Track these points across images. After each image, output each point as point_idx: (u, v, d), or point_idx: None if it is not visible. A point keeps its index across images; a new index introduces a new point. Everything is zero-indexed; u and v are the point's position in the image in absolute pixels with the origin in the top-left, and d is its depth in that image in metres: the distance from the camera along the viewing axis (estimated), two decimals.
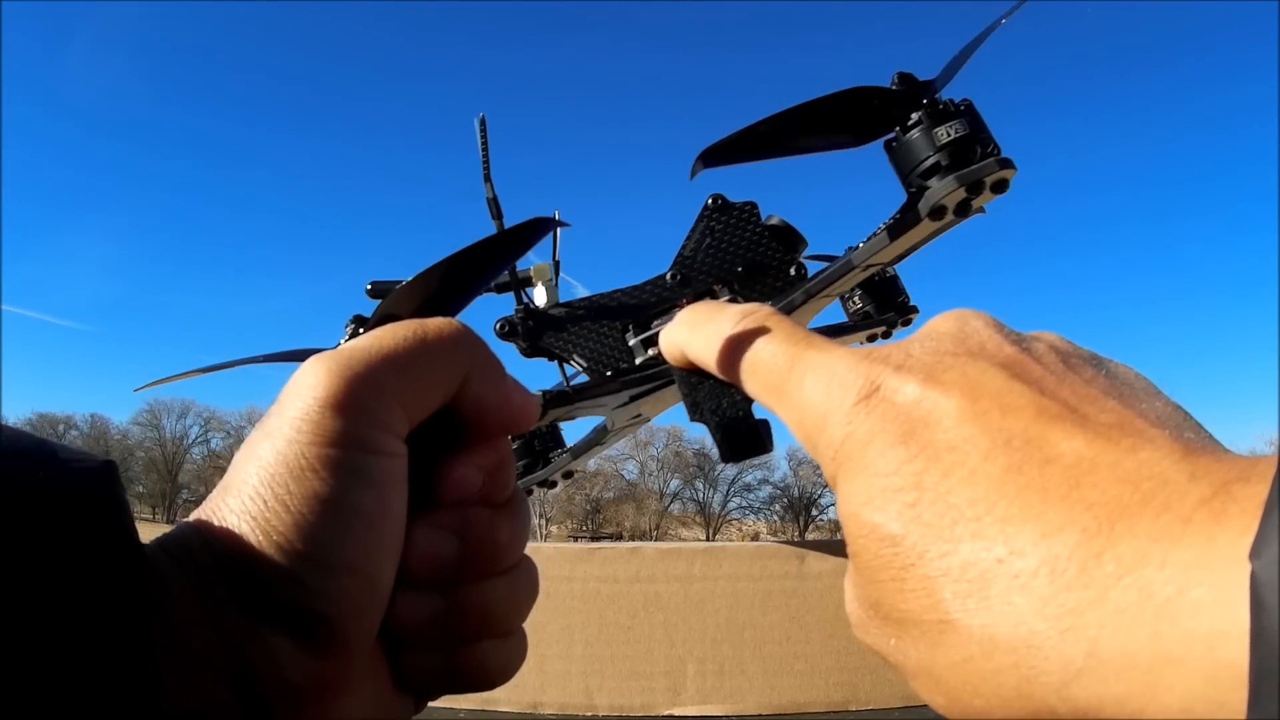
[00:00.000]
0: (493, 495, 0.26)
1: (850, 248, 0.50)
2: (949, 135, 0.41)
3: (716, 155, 0.40)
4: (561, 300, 0.55)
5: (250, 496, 0.21)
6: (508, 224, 0.52)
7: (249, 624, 0.21)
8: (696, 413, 0.48)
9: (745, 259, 0.49)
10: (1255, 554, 0.14)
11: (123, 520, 0.19)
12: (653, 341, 0.51)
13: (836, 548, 0.59)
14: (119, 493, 0.20)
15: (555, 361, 0.55)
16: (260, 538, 0.21)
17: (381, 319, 0.36)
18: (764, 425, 0.49)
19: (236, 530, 0.21)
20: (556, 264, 0.54)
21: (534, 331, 0.52)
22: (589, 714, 0.56)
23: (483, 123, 0.50)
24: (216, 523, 0.21)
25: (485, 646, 0.25)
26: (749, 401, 0.47)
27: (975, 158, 0.41)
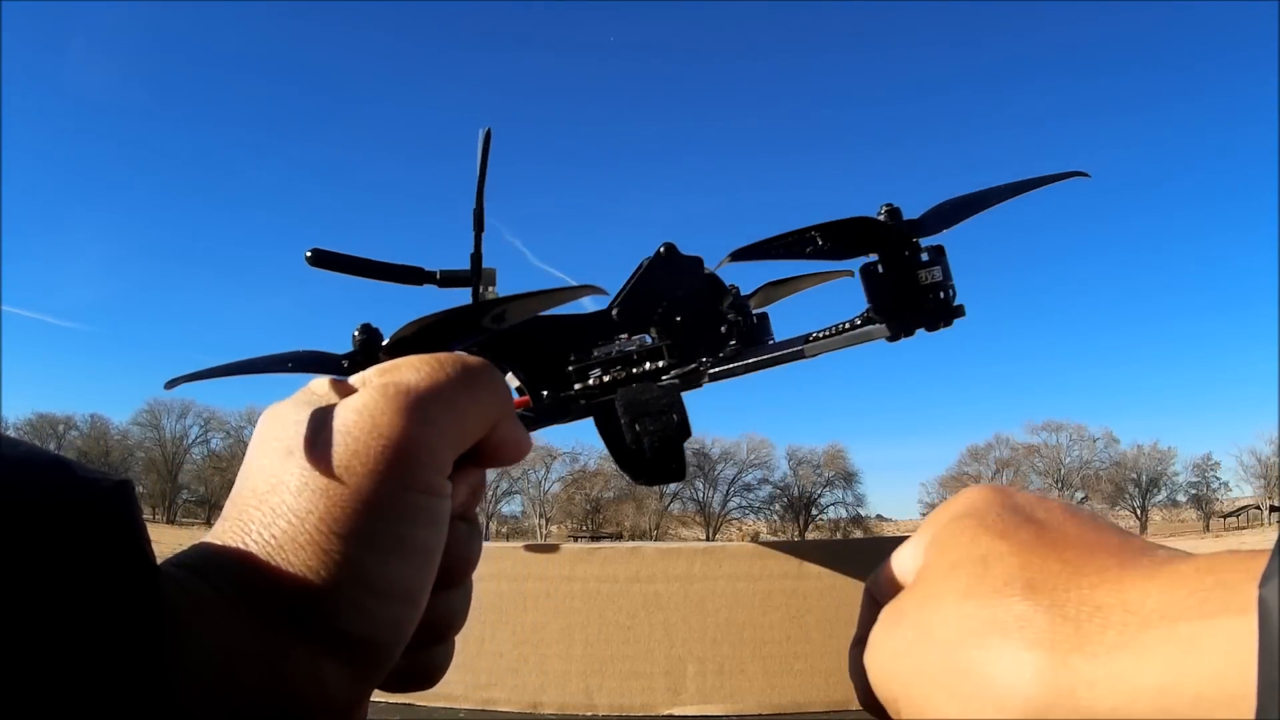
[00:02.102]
0: (467, 512, 0.27)
1: (805, 336, 0.53)
2: (927, 280, 0.48)
3: (742, 255, 0.48)
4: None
5: (318, 529, 0.21)
6: (486, 238, 0.54)
7: (304, 650, 0.21)
8: (634, 437, 0.51)
9: (682, 309, 0.54)
10: (1264, 582, 0.15)
11: (137, 539, 0.19)
12: (590, 371, 0.53)
13: (836, 547, 0.58)
14: (134, 511, 0.20)
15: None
16: (330, 569, 0.21)
17: (398, 343, 0.37)
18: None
19: (305, 560, 0.21)
20: (476, 264, 0.55)
21: (484, 340, 0.54)
22: (589, 714, 0.56)
23: (487, 137, 0.51)
24: (275, 548, 0.21)
25: (434, 649, 0.27)
26: (685, 433, 0.51)
27: (938, 301, 0.48)
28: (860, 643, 0.27)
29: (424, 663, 0.26)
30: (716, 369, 0.52)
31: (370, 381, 0.24)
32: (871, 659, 0.25)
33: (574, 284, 0.41)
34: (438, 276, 0.56)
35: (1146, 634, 0.17)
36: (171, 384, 0.49)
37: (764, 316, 0.63)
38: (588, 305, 0.56)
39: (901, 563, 0.27)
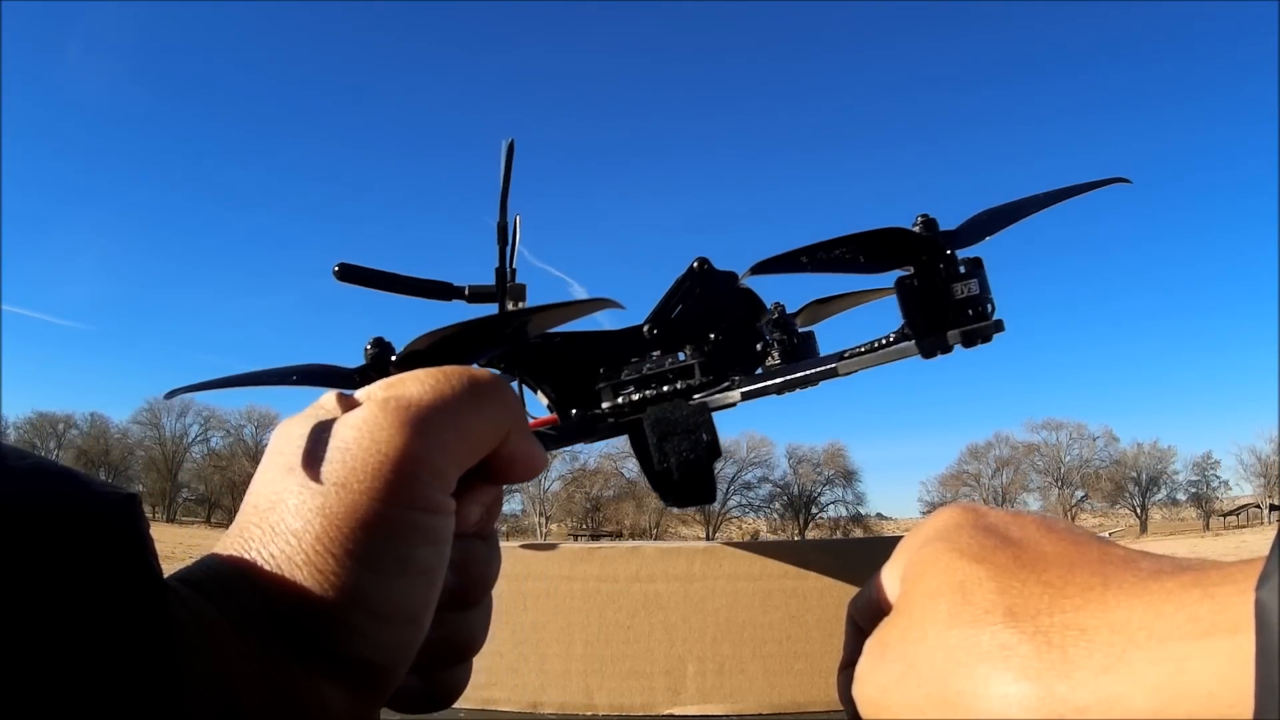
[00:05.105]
0: (484, 530, 0.26)
1: (839, 354, 0.51)
2: (963, 294, 0.45)
3: (766, 267, 0.47)
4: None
5: (314, 548, 0.21)
6: (510, 252, 0.53)
7: (304, 673, 0.20)
8: (661, 457, 0.50)
9: (718, 327, 0.52)
10: (1261, 584, 0.15)
11: (144, 554, 0.19)
12: (622, 389, 0.52)
13: (836, 546, 0.58)
14: (142, 526, 0.20)
15: (516, 382, 0.55)
16: (328, 591, 0.20)
17: (409, 356, 0.36)
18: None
19: (303, 581, 0.20)
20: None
21: (510, 355, 0.53)
22: (589, 714, 0.56)
23: (510, 148, 0.50)
24: (272, 568, 0.21)
25: (453, 670, 0.26)
26: (715, 454, 0.49)
27: (975, 315, 0.45)
28: (847, 666, 0.27)
29: (443, 683, 0.26)
30: (749, 387, 0.51)
31: (373, 396, 0.23)
32: (860, 692, 0.24)
33: (589, 297, 0.41)
34: (466, 292, 0.55)
35: (1135, 655, 0.17)
36: (172, 394, 0.49)
37: (809, 335, 0.61)
38: (615, 321, 0.55)
39: (881, 589, 0.26)
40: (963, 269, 0.46)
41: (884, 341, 0.48)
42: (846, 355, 0.50)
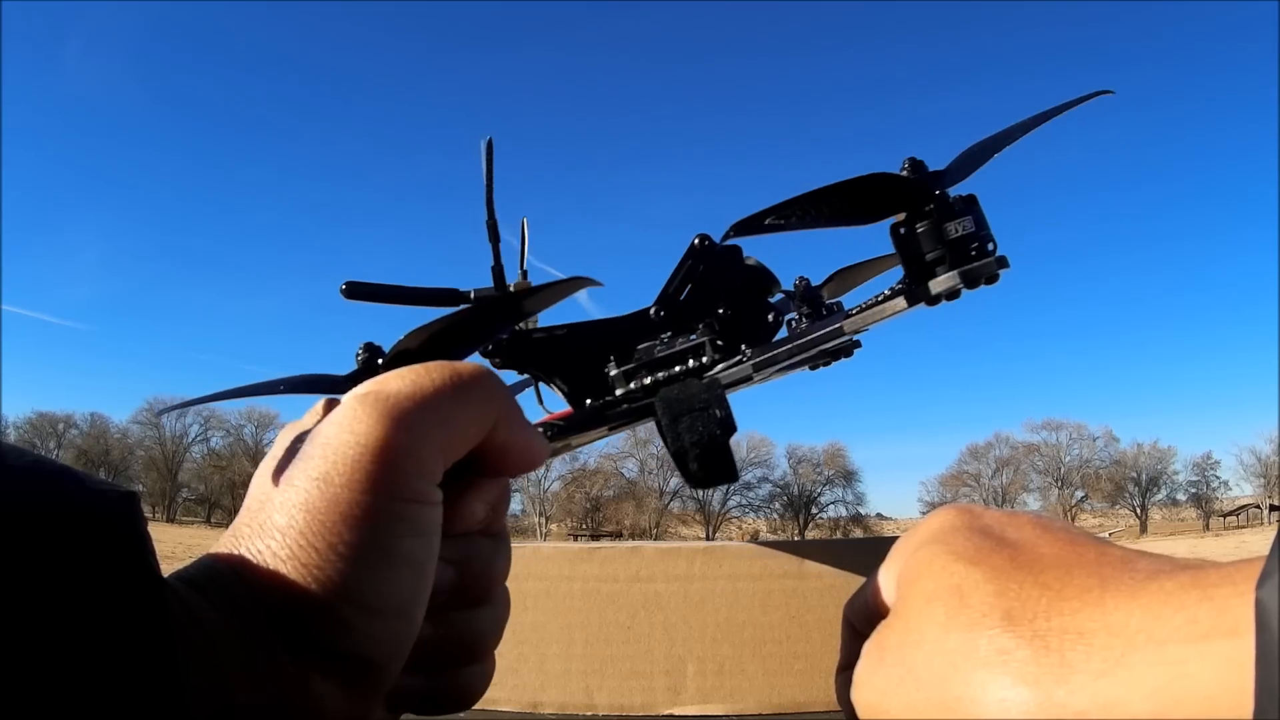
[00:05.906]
0: (492, 527, 0.26)
1: (845, 311, 0.50)
2: (957, 232, 0.43)
3: (746, 227, 0.44)
4: (541, 323, 0.55)
5: (298, 543, 0.21)
6: (503, 250, 0.53)
7: (296, 669, 0.20)
8: (675, 438, 0.49)
9: (726, 302, 0.52)
10: (1261, 584, 0.15)
11: (143, 551, 0.19)
12: (634, 374, 0.52)
13: (836, 547, 0.58)
14: (140, 524, 0.19)
15: (531, 381, 0.55)
16: (314, 585, 0.20)
17: (398, 355, 0.36)
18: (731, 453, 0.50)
19: (289, 576, 0.20)
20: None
21: (517, 352, 0.53)
22: (589, 714, 0.56)
23: (489, 146, 0.50)
24: (260, 564, 0.21)
25: (466, 670, 0.26)
26: (730, 429, 0.49)
27: (976, 254, 0.44)
28: (845, 669, 0.27)
29: (456, 684, 0.26)
30: (760, 358, 0.50)
31: (354, 394, 0.23)
32: (859, 696, 0.24)
33: (568, 277, 0.40)
34: (472, 296, 0.55)
35: (1134, 658, 0.17)
36: (163, 412, 0.49)
37: (837, 306, 0.60)
38: (622, 307, 0.54)
39: (877, 592, 0.26)
40: (956, 208, 0.44)
41: (889, 294, 0.47)
42: (852, 313, 0.49)
